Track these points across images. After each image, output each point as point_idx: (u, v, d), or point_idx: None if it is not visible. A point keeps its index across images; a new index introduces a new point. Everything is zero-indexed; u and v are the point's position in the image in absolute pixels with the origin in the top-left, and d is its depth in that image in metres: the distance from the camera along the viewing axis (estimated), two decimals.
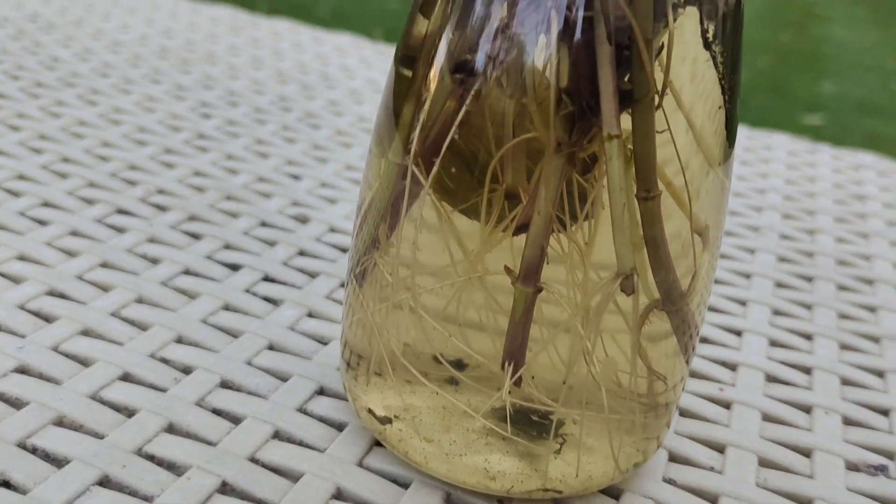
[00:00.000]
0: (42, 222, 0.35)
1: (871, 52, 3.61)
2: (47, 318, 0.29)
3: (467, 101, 0.21)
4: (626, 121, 0.21)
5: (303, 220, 0.39)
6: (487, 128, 0.22)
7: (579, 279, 0.23)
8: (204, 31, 0.62)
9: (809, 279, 0.39)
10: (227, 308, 0.31)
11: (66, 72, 0.51)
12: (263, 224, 0.38)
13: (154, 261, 0.34)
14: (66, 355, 0.28)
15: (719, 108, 0.22)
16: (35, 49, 0.54)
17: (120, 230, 0.36)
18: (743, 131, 0.56)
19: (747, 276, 0.39)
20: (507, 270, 0.23)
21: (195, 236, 0.36)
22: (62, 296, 0.31)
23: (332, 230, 0.38)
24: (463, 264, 0.24)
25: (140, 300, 0.31)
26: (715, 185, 0.23)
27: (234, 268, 0.34)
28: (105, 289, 0.31)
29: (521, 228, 0.24)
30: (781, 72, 2.98)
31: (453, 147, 0.23)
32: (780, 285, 0.39)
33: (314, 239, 0.37)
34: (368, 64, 0.60)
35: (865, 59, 3.44)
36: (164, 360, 0.28)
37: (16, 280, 0.31)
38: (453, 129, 0.21)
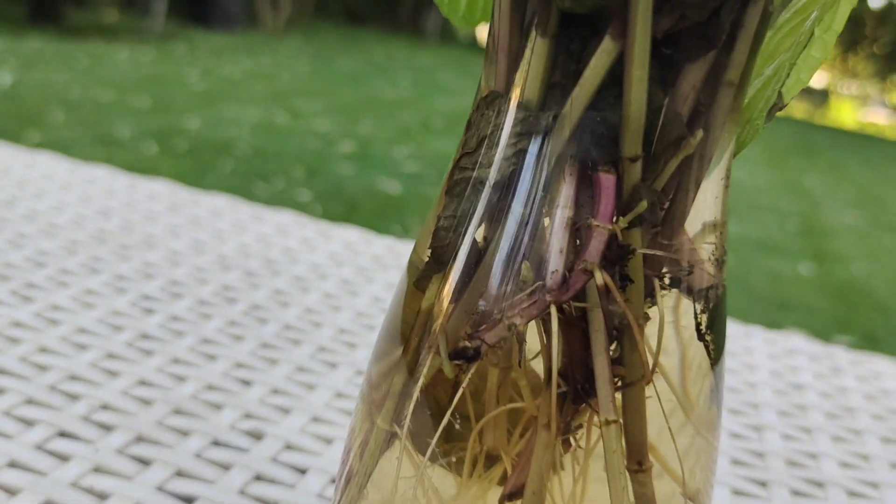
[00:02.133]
0: None
1: (765, 193, 3.82)
2: None
3: (464, 384, 0.21)
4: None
5: (257, 436, 0.37)
6: (473, 393, 0.22)
7: None
8: (142, 210, 0.61)
9: (764, 484, 0.40)
10: None
11: (0, 262, 0.49)
12: (216, 443, 0.36)
13: (101, 496, 0.32)
14: None
15: (711, 391, 0.22)
16: None
17: (63, 458, 0.33)
18: None
19: None
20: None
21: (144, 462, 0.34)
22: None
23: (289, 447, 0.37)
24: None
25: None
26: (704, 449, 0.24)
27: (189, 500, 0.32)
28: None
29: (509, 497, 0.23)
30: None
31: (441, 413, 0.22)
32: (736, 492, 0.39)
33: (270, 459, 0.36)
34: (311, 246, 0.60)
35: (761, 199, 3.64)
36: None
37: None
38: (449, 412, 0.21)
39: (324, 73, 5.33)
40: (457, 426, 0.22)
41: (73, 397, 0.38)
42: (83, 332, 0.43)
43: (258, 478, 0.34)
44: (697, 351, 0.22)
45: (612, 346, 0.21)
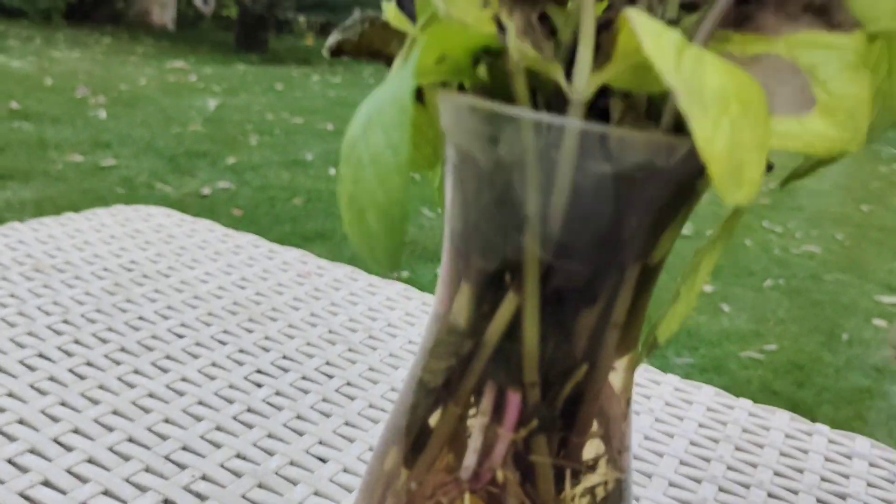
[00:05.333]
0: None
1: None
2: None
3: None
4: None
5: None
6: None
7: None
8: (273, 280, 0.71)
9: None
10: None
11: (148, 334, 0.60)
12: None
13: None
14: None
15: None
16: (126, 306, 0.63)
17: None
18: (746, 405, 0.60)
19: None
20: None
21: None
22: None
23: None
24: None
25: None
26: None
27: None
28: None
29: None
30: (860, 246, 2.96)
31: None
32: None
33: None
34: (414, 318, 0.67)
35: None
36: None
37: None
38: None
39: None
40: None
41: (181, 467, 0.47)
42: (202, 404, 0.53)
43: None
44: None
45: None
